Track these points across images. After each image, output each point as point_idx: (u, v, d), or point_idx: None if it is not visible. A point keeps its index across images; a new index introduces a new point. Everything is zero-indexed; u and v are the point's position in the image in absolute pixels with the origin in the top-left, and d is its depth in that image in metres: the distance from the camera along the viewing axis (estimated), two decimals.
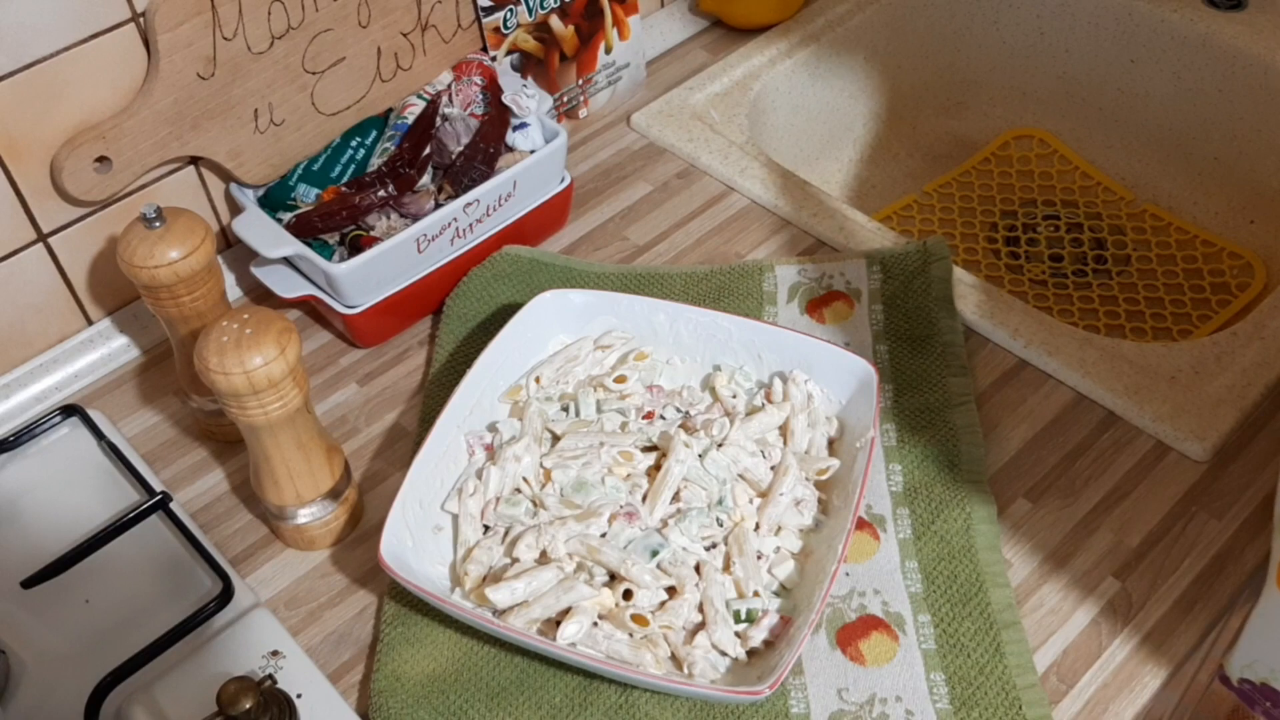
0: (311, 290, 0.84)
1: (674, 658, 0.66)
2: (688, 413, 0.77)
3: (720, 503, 0.71)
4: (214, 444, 0.82)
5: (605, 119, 1.06)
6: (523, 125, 0.89)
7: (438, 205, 0.85)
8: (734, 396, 0.77)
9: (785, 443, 0.75)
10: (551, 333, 0.81)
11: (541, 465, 0.74)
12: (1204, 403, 0.78)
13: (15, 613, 0.71)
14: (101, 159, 0.78)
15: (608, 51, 1.04)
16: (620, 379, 0.78)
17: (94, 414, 0.81)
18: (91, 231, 0.83)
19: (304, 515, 0.73)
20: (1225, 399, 0.79)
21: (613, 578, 0.69)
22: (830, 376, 0.77)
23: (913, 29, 1.22)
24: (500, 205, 0.88)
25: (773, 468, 0.73)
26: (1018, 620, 0.68)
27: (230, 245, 0.91)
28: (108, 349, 0.87)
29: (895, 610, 0.69)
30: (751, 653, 0.66)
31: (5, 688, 0.67)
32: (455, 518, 0.73)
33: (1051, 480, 0.76)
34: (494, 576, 0.69)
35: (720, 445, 0.73)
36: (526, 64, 0.99)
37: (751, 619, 0.67)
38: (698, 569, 0.69)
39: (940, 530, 0.72)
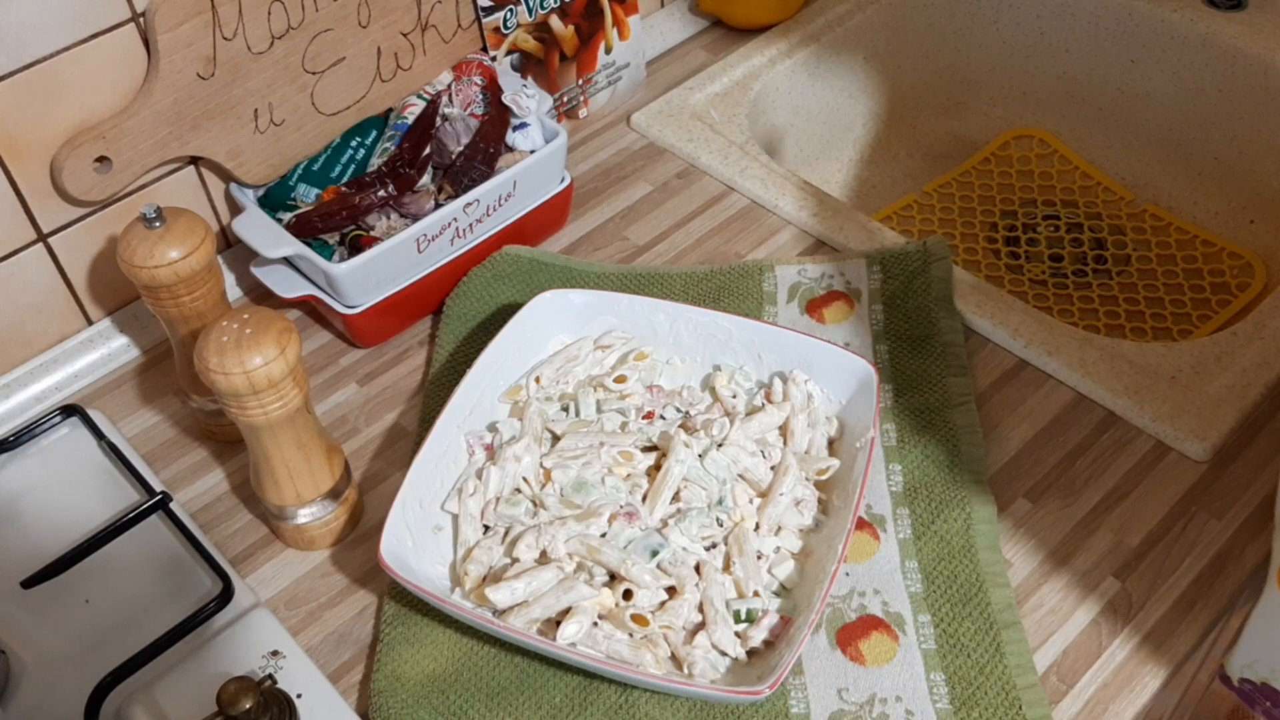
0: (311, 290, 0.84)
1: (674, 658, 0.66)
2: (688, 413, 0.77)
3: (720, 503, 0.71)
4: (214, 444, 0.82)
5: (605, 119, 1.06)
6: (523, 125, 0.89)
7: (438, 205, 0.85)
8: (734, 396, 0.77)
9: (785, 443, 0.75)
10: (551, 333, 0.81)
11: (541, 465, 0.74)
12: (1204, 403, 0.78)
13: (15, 613, 0.71)
14: (101, 159, 0.78)
15: (608, 51, 1.04)
16: (620, 379, 0.78)
17: (94, 414, 0.81)
18: (91, 231, 0.83)
19: (304, 515, 0.73)
20: (1225, 399, 0.79)
21: (613, 578, 0.69)
22: (830, 376, 0.77)
23: (913, 29, 1.22)
24: (500, 205, 0.88)
25: (773, 468, 0.73)
26: (1018, 620, 0.68)
27: (230, 245, 0.91)
28: (108, 349, 0.87)
29: (895, 610, 0.69)
30: (751, 653, 0.66)
31: (5, 688, 0.67)
32: (455, 518, 0.73)
33: (1051, 480, 0.76)
34: (494, 576, 0.69)
35: (720, 445, 0.73)
36: (526, 64, 0.99)
37: (751, 619, 0.67)
38: (698, 569, 0.69)
39: (940, 530, 0.72)
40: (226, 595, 0.69)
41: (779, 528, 0.71)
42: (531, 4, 0.96)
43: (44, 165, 0.78)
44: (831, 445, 0.76)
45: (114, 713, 0.66)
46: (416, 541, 0.70)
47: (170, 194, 0.85)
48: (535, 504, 0.72)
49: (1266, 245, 1.13)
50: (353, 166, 0.89)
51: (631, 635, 0.66)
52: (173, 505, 0.75)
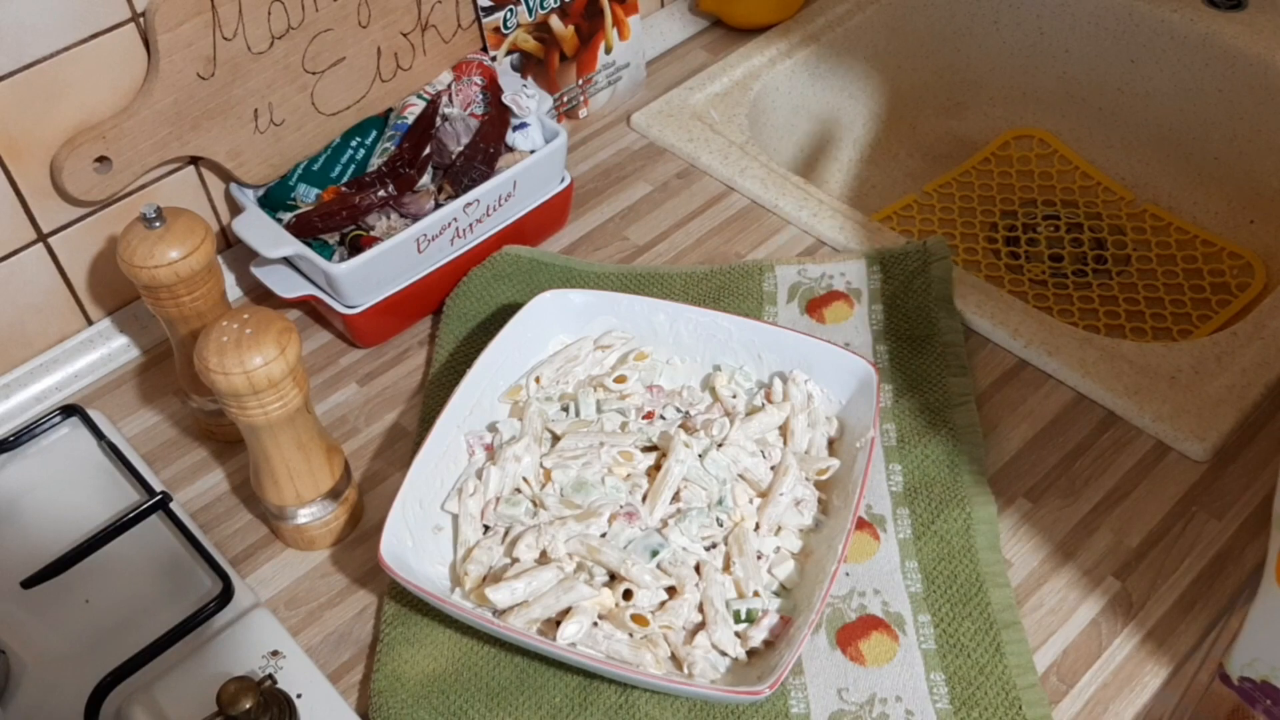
0: (311, 290, 0.84)
1: (674, 658, 0.66)
2: (688, 413, 0.77)
3: (720, 503, 0.71)
4: (214, 444, 0.82)
5: (605, 119, 1.06)
6: (523, 125, 0.89)
7: (438, 205, 0.85)
8: (734, 396, 0.77)
9: (785, 443, 0.75)
10: (551, 333, 0.81)
11: (541, 465, 0.74)
12: (1204, 403, 0.78)
13: (15, 613, 0.71)
14: (101, 159, 0.78)
15: (608, 51, 1.04)
16: (620, 379, 0.78)
17: (94, 414, 0.81)
18: (91, 231, 0.83)
19: (304, 515, 0.73)
20: (1225, 399, 0.79)
21: (613, 578, 0.69)
22: (830, 376, 0.77)
23: (913, 29, 1.22)
24: (500, 205, 0.88)
25: (773, 468, 0.73)
26: (1018, 620, 0.68)
27: (230, 245, 0.91)
28: (108, 349, 0.87)
29: (895, 610, 0.69)
30: (751, 653, 0.66)
31: (5, 688, 0.67)
32: (455, 518, 0.73)
33: (1051, 480, 0.76)
34: (494, 576, 0.69)
35: (720, 445, 0.73)
36: (526, 64, 0.99)
37: (751, 619, 0.67)
38: (698, 569, 0.69)
39: (940, 530, 0.72)
40: (226, 595, 0.69)
41: (779, 528, 0.71)
42: (531, 4, 0.96)
43: (44, 165, 0.78)
44: (831, 445, 0.76)
45: (114, 713, 0.66)
46: (416, 541, 0.70)
47: (170, 194, 0.85)
48: (535, 504, 0.72)
49: (1266, 245, 1.13)
50: (353, 166, 0.89)
51: (631, 635, 0.66)
52: (173, 505, 0.75)
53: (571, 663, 0.65)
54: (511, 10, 0.95)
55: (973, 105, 1.29)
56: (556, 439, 0.76)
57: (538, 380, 0.78)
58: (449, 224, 0.85)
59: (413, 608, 0.70)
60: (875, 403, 0.73)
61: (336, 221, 0.84)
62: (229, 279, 0.90)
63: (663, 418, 0.77)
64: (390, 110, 0.91)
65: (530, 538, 0.69)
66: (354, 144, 0.89)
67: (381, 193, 0.85)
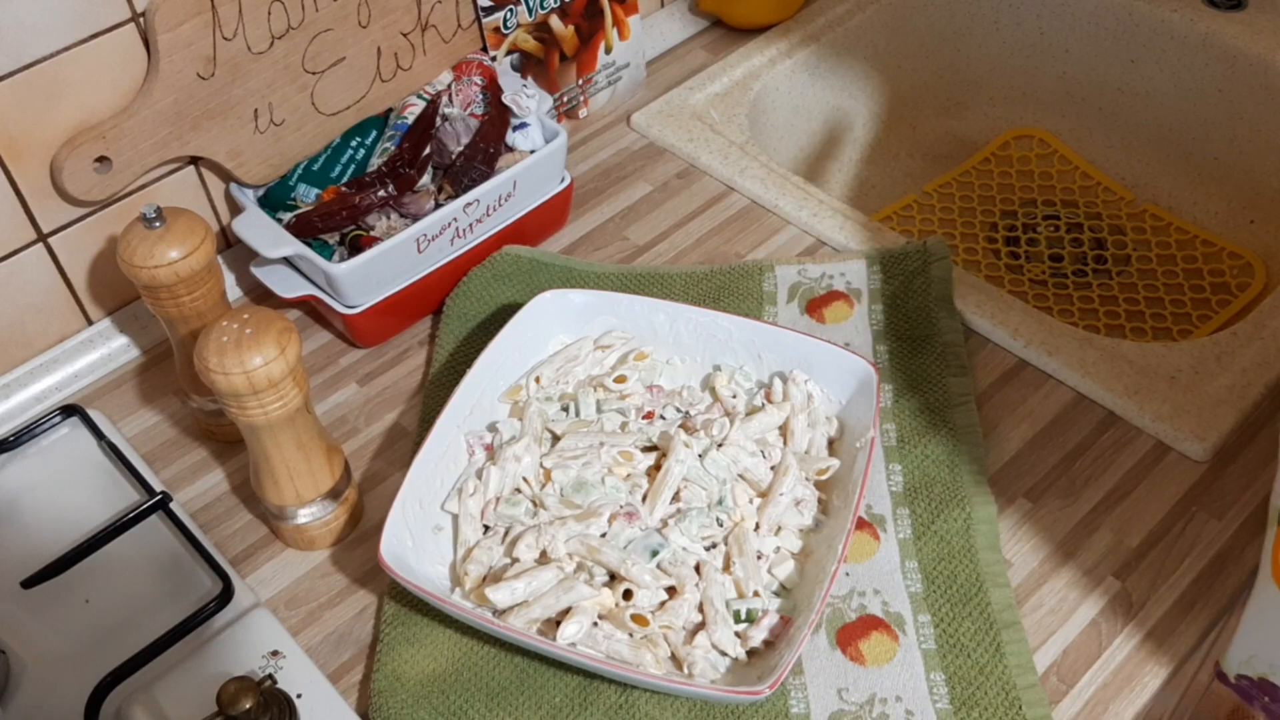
0: (311, 290, 0.84)
1: (674, 658, 0.66)
2: (688, 413, 0.77)
3: (720, 503, 0.71)
4: (214, 444, 0.82)
5: (605, 119, 1.06)
6: (523, 125, 0.89)
7: (438, 205, 0.85)
8: (734, 396, 0.77)
9: (785, 443, 0.75)
10: (551, 333, 0.81)
11: (541, 465, 0.74)
12: (1204, 403, 0.78)
13: (15, 613, 0.71)
14: (101, 159, 0.78)
15: (608, 51, 1.04)
16: (620, 379, 0.78)
17: (94, 414, 0.81)
18: (91, 231, 0.83)
19: (304, 515, 0.73)
20: (1225, 399, 0.79)
21: (613, 578, 0.69)
22: (830, 376, 0.77)
23: (913, 29, 1.22)
24: (500, 205, 0.88)
25: (773, 468, 0.73)
26: (1018, 620, 0.68)
27: (230, 245, 0.91)
28: (108, 349, 0.87)
29: (895, 610, 0.69)
30: (751, 653, 0.66)
31: (5, 688, 0.67)
32: (455, 518, 0.73)
33: (1051, 480, 0.76)
34: (494, 576, 0.69)
35: (720, 445, 0.73)
36: (526, 64, 0.99)
37: (751, 619, 0.67)
38: (698, 569, 0.69)
39: (940, 530, 0.72)
40: (226, 595, 0.69)
41: (779, 528, 0.71)
42: (531, 4, 0.96)
43: (44, 165, 0.78)
44: (831, 445, 0.76)
45: (114, 713, 0.66)
46: (416, 541, 0.70)
47: (170, 194, 0.85)
48: (535, 504, 0.72)
49: (1266, 245, 1.13)
50: (353, 166, 0.89)
51: (631, 635, 0.66)
52: (173, 505, 0.75)
53: (571, 663, 0.65)
54: (511, 10, 0.95)
55: (973, 105, 1.29)
56: (556, 439, 0.76)
57: (538, 380, 0.78)
58: (449, 224, 0.85)
59: (413, 608, 0.70)
60: (875, 403, 0.73)
61: (336, 221, 0.84)
62: (229, 279, 0.90)
63: (663, 418, 0.77)
64: (390, 110, 0.91)
65: (530, 538, 0.69)
66: (354, 144, 0.89)
67: (381, 193, 0.85)
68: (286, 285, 0.84)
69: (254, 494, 0.74)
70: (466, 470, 0.75)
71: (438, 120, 0.89)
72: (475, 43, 0.94)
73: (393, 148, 0.88)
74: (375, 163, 0.88)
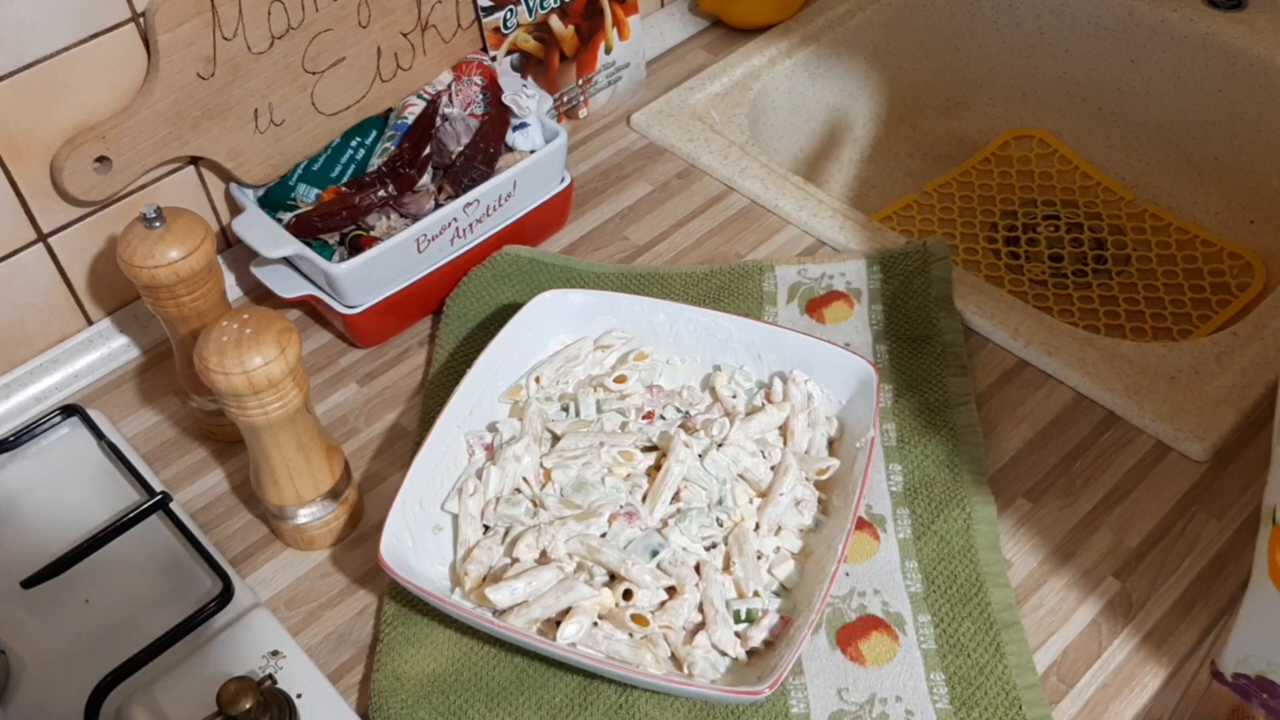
0: (311, 290, 0.84)
1: (674, 658, 0.66)
2: (688, 413, 0.77)
3: (720, 503, 0.71)
4: (214, 444, 0.82)
5: (605, 119, 1.06)
6: (523, 125, 0.89)
7: (438, 205, 0.85)
8: (734, 396, 0.77)
9: (785, 443, 0.75)
10: (551, 333, 0.81)
11: (541, 465, 0.74)
12: (1204, 403, 0.78)
13: (15, 613, 0.71)
14: (101, 159, 0.78)
15: (608, 51, 1.04)
16: (620, 379, 0.78)
17: (94, 414, 0.81)
18: (91, 231, 0.83)
19: (304, 515, 0.73)
20: (1225, 399, 0.79)
21: (613, 578, 0.69)
22: (830, 376, 0.77)
23: (913, 29, 1.22)
24: (500, 205, 0.88)
25: (773, 468, 0.73)
26: (1018, 620, 0.68)
27: (230, 245, 0.91)
28: (108, 349, 0.87)
29: (895, 610, 0.69)
30: (751, 653, 0.66)
31: (5, 688, 0.67)
32: (455, 518, 0.73)
33: (1051, 480, 0.76)
34: (494, 576, 0.69)
35: (720, 445, 0.73)
36: (526, 64, 0.99)
37: (751, 619, 0.67)
38: (698, 569, 0.69)
39: (940, 530, 0.72)
40: (226, 595, 0.69)
41: (779, 528, 0.71)
42: (531, 4, 0.96)
43: (44, 165, 0.78)
44: (831, 445, 0.76)
45: (114, 713, 0.66)
46: (416, 541, 0.70)
47: (170, 194, 0.85)
48: (535, 504, 0.72)
49: (1266, 245, 1.13)
50: (353, 166, 0.89)
51: (631, 635, 0.66)
52: (173, 505, 0.75)
53: (571, 663, 0.65)
54: (511, 10, 0.95)
55: (973, 105, 1.29)
56: (556, 439, 0.76)
57: (538, 380, 0.78)
58: (449, 224, 0.85)
59: (413, 608, 0.70)
60: (875, 403, 0.73)
61: (336, 221, 0.84)
62: (229, 279, 0.90)
63: (663, 418, 0.77)
64: (390, 110, 0.91)
65: (530, 538, 0.69)
66: (354, 144, 0.89)
67: (381, 193, 0.85)
68: (286, 285, 0.84)
69: (254, 494, 0.74)
70: (466, 470, 0.75)
71: (438, 120, 0.89)
72: (475, 43, 0.94)
73: (393, 148, 0.88)
74: (375, 163, 0.88)
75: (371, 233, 0.84)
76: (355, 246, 0.83)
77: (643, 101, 1.07)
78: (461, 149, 0.87)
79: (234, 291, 0.91)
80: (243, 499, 0.78)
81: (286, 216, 0.85)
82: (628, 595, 0.67)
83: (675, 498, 0.71)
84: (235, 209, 0.88)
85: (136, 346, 0.88)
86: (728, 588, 0.68)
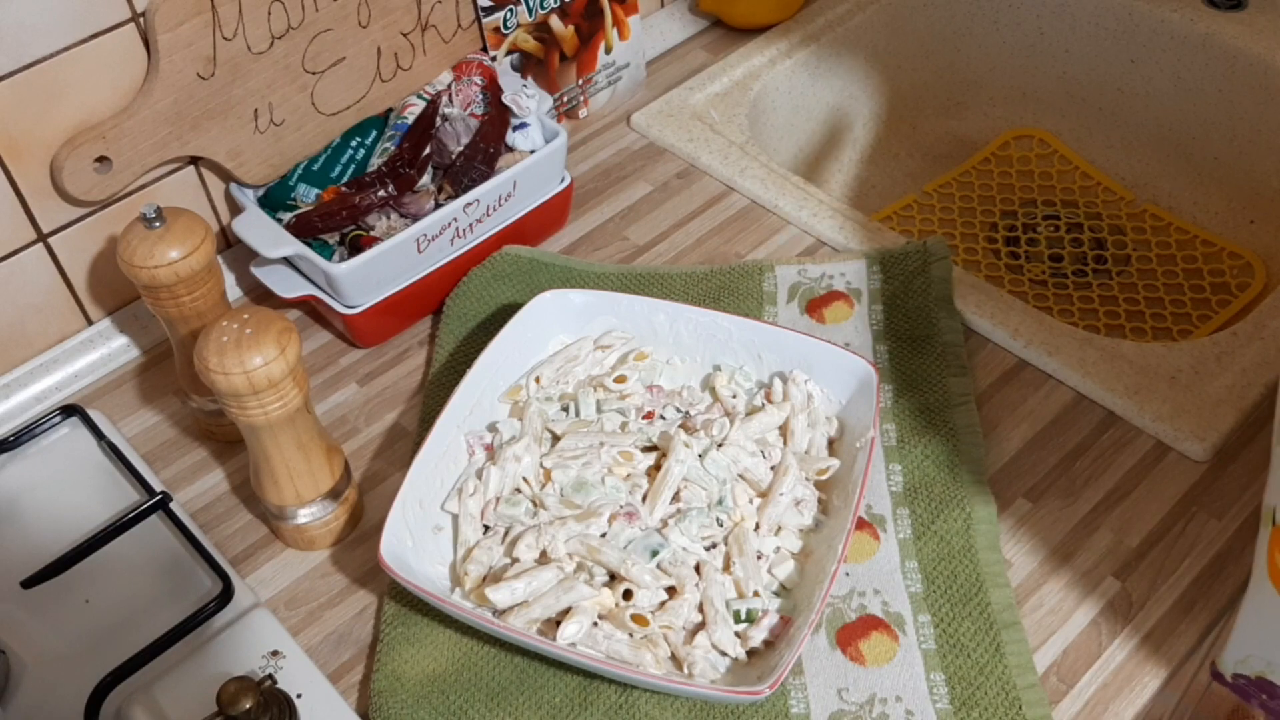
0: (311, 290, 0.84)
1: (674, 658, 0.66)
2: (688, 413, 0.77)
3: (720, 503, 0.71)
4: (214, 444, 0.82)
5: (605, 119, 1.06)
6: (523, 125, 0.89)
7: (438, 205, 0.85)
8: (734, 396, 0.77)
9: (785, 443, 0.75)
10: (551, 333, 0.81)
11: (541, 465, 0.74)
12: (1204, 403, 0.78)
13: (15, 613, 0.71)
14: (101, 159, 0.78)
15: (608, 51, 1.04)
16: (620, 379, 0.78)
17: (94, 414, 0.81)
18: (91, 231, 0.83)
19: (304, 515, 0.73)
20: (1225, 399, 0.79)
21: (613, 578, 0.69)
22: (830, 376, 0.77)
23: (913, 29, 1.22)
24: (500, 205, 0.88)
25: (773, 468, 0.73)
26: (1018, 620, 0.68)
27: (230, 245, 0.91)
28: (108, 349, 0.87)
29: (895, 610, 0.69)
30: (751, 653, 0.66)
31: (5, 688, 0.67)
32: (455, 518, 0.73)
33: (1051, 480, 0.76)
34: (494, 576, 0.69)
35: (720, 445, 0.73)
36: (526, 64, 0.99)
37: (751, 619, 0.67)
38: (698, 569, 0.69)
39: (940, 530, 0.72)
40: (226, 595, 0.69)
41: (779, 528, 0.71)
42: (531, 4, 0.96)
43: (44, 165, 0.78)
44: (831, 445, 0.76)
45: (114, 713, 0.66)
46: (416, 541, 0.70)
47: (170, 194, 0.85)
48: (535, 504, 0.72)
49: (1266, 245, 1.13)
50: (353, 166, 0.89)
51: (631, 635, 0.66)
52: (173, 505, 0.75)
53: (571, 663, 0.65)
54: (511, 10, 0.95)
55: (973, 105, 1.29)
56: (556, 439, 0.76)
57: (538, 380, 0.78)
58: (449, 224, 0.85)
59: (413, 608, 0.70)
60: (875, 403, 0.73)
61: (336, 221, 0.84)
62: (229, 279, 0.90)
63: (663, 418, 0.77)
64: (390, 110, 0.91)
65: (530, 538, 0.69)
66: (354, 144, 0.89)
67: (381, 193, 0.85)
68: (286, 285, 0.84)
69: (254, 494, 0.74)
70: (466, 470, 0.75)
71: (438, 120, 0.89)
72: (475, 43, 0.94)
73: (393, 148, 0.88)
74: (375, 163, 0.88)
75: (371, 233, 0.84)
76: (355, 246, 0.83)
77: (643, 101, 1.07)
78: (461, 149, 0.87)
79: (234, 291, 0.91)
80: (243, 499, 0.78)
81: (286, 216, 0.85)
82: (628, 595, 0.67)
83: (675, 498, 0.71)
84: (235, 209, 0.88)
85: (136, 346, 0.88)
86: (728, 588, 0.68)
